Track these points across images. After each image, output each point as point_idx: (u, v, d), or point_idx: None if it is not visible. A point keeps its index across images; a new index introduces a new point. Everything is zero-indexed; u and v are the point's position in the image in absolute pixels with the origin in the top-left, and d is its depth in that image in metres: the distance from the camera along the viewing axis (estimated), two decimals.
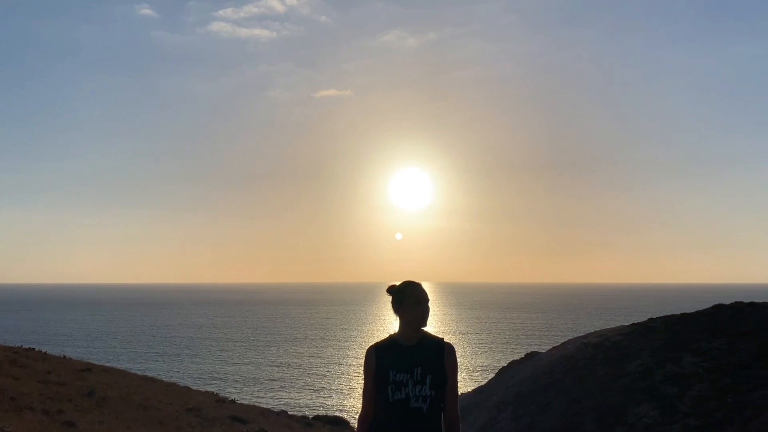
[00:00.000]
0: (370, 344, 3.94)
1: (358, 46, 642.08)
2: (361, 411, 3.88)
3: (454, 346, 3.96)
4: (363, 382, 3.89)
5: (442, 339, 3.92)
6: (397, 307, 3.86)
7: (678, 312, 19.72)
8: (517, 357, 23.67)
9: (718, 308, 19.01)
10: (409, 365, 3.72)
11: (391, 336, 3.90)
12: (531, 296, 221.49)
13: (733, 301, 19.75)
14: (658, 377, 14.79)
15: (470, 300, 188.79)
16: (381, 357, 3.76)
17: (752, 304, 18.90)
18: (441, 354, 3.81)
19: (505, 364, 23.20)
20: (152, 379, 18.18)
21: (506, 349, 62.56)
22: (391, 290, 3.93)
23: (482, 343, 69.70)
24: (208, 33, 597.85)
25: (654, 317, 19.76)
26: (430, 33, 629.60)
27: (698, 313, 19.00)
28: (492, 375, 25.08)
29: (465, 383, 42.04)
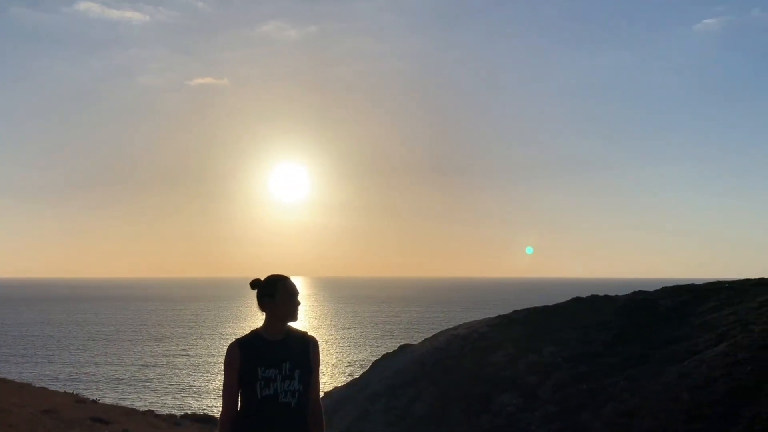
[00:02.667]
0: (232, 340, 3.82)
1: (236, 34, 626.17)
2: (222, 409, 3.75)
3: (319, 341, 3.97)
4: (224, 379, 3.77)
5: (306, 333, 3.90)
6: (267, 302, 3.79)
7: (540, 304, 20.79)
8: (390, 350, 24.07)
9: (576, 301, 20.27)
10: (277, 360, 3.67)
11: (254, 331, 3.81)
12: (406, 290, 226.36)
13: (589, 294, 21.12)
14: (521, 366, 15.55)
15: (346, 294, 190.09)
16: (246, 353, 3.68)
17: (606, 296, 20.31)
18: (307, 348, 3.80)
19: (379, 357, 23.53)
20: (2, 380, 16.87)
21: (381, 342, 63.55)
22: (258, 284, 3.86)
23: (358, 338, 70.41)
24: (74, 12, 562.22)
25: (518, 309, 20.73)
26: (311, 26, 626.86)
27: (558, 305, 20.15)
28: (366, 368, 25.36)
29: (340, 377, 42.26)
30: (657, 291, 19.93)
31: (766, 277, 19.96)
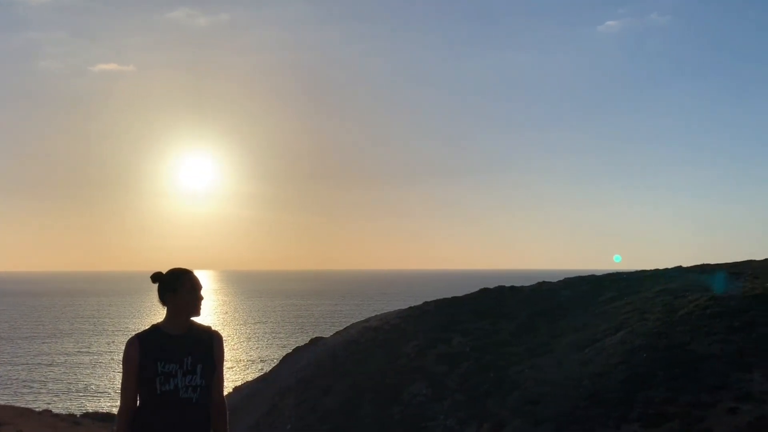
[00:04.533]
0: (132, 335, 3.71)
1: (144, 19, 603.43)
2: (121, 405, 3.65)
3: (229, 336, 3.87)
4: (122, 375, 3.66)
5: (210, 327, 3.80)
6: (169, 296, 3.68)
7: (449, 296, 21.18)
8: (302, 343, 23.91)
9: (484, 292, 20.78)
10: (178, 355, 3.58)
11: (155, 326, 3.71)
12: (317, 283, 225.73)
13: (496, 285, 21.69)
14: (431, 357, 15.79)
15: (257, 288, 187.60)
16: (146, 348, 3.58)
17: (512, 287, 20.91)
18: (211, 343, 3.72)
19: (290, 351, 23.34)
20: None
21: (292, 336, 63.10)
22: (159, 278, 3.73)
23: (269, 332, 69.63)
24: None
25: (428, 301, 21.04)
26: (222, 14, 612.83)
27: (467, 296, 20.59)
28: (277, 363, 25.10)
29: (251, 372, 41.66)
30: (560, 282, 20.71)
31: (661, 268, 21.13)
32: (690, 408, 9.95)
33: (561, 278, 21.51)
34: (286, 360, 21.60)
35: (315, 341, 22.13)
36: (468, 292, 21.15)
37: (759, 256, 20.39)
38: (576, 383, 11.97)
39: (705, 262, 20.88)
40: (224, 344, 3.87)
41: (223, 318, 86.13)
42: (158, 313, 3.77)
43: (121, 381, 3.68)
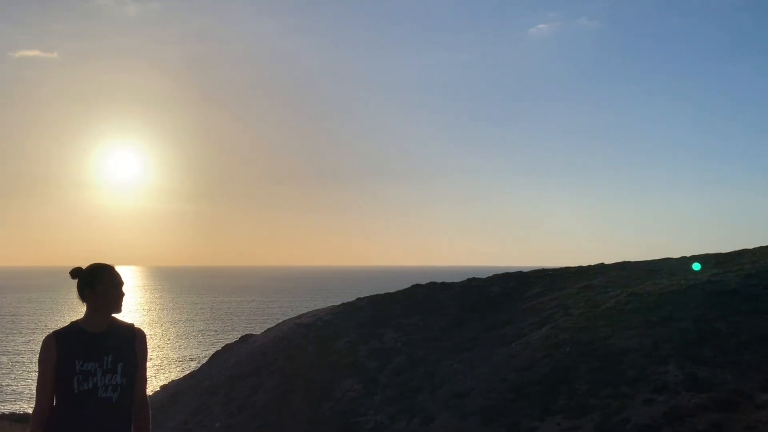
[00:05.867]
0: (49, 333, 3.56)
1: (70, 6, 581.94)
2: (36, 406, 3.51)
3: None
4: (38, 374, 3.51)
5: (133, 325, 3.69)
6: (88, 292, 3.56)
7: (382, 292, 21.32)
8: (232, 341, 23.58)
9: (416, 288, 21.02)
10: (98, 353, 3.47)
11: (74, 323, 3.57)
12: (248, 280, 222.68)
13: (428, 281, 21.98)
14: (363, 352, 15.88)
15: (186, 285, 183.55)
16: (63, 346, 3.44)
17: (444, 283, 21.24)
18: (133, 341, 3.61)
19: (220, 349, 23.00)
20: None
21: (222, 333, 62.09)
22: (78, 273, 3.61)
23: (199, 329, 68.27)
24: None
25: (361, 297, 21.13)
26: (153, 2, 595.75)
27: (399, 292, 20.79)
28: (206, 360, 24.69)
29: (179, 371, 40.78)
30: (489, 278, 21.17)
31: (584, 265, 21.88)
32: (610, 400, 10.37)
33: (490, 275, 21.97)
34: (215, 357, 21.29)
35: (245, 338, 21.89)
36: (400, 289, 21.35)
37: (675, 254, 21.38)
38: (503, 377, 12.29)
39: (626, 260, 21.74)
40: (149, 342, 3.77)
41: (150, 316, 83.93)
42: (78, 311, 3.66)
43: (36, 380, 3.54)
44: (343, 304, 20.75)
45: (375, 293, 21.24)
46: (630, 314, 13.43)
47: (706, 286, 14.23)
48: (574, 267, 21.70)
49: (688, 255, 21.27)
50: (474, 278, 21.66)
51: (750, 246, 21.40)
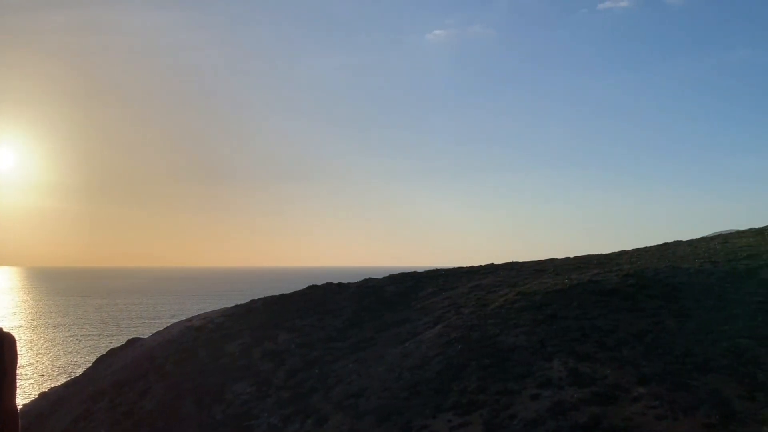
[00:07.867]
0: None
1: None
2: None
3: (15, 337, 3.51)
4: None
5: (1, 329, 3.48)
6: None
7: (277, 293, 21.08)
8: (117, 344, 22.57)
9: (312, 288, 20.93)
10: None
11: None
12: (135, 281, 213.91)
13: (324, 282, 21.94)
14: (256, 355, 15.63)
15: (68, 287, 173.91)
16: None
17: (340, 284, 21.26)
18: (0, 346, 3.40)
19: (105, 353, 21.98)
20: None
21: (107, 337, 59.31)
22: None
23: (82, 333, 64.89)
24: None
25: (255, 298, 20.80)
26: None
27: (295, 293, 20.63)
28: (90, 365, 23.51)
29: (59, 377, 38.61)
30: (384, 278, 21.41)
31: (475, 265, 22.55)
32: (499, 396, 10.73)
33: (386, 275, 22.22)
34: (99, 362, 20.32)
35: (132, 342, 21.03)
36: (296, 289, 21.19)
37: (560, 255, 22.47)
38: (397, 375, 12.45)
39: (514, 260, 22.58)
40: (21, 347, 3.51)
41: (28, 319, 78.97)
42: None
43: None
44: (236, 305, 20.36)
45: (269, 294, 20.97)
46: (518, 312, 13.96)
47: (588, 285, 15.02)
48: (466, 267, 22.33)
49: (572, 255, 22.40)
50: (370, 278, 21.84)
51: (628, 248, 22.80)
